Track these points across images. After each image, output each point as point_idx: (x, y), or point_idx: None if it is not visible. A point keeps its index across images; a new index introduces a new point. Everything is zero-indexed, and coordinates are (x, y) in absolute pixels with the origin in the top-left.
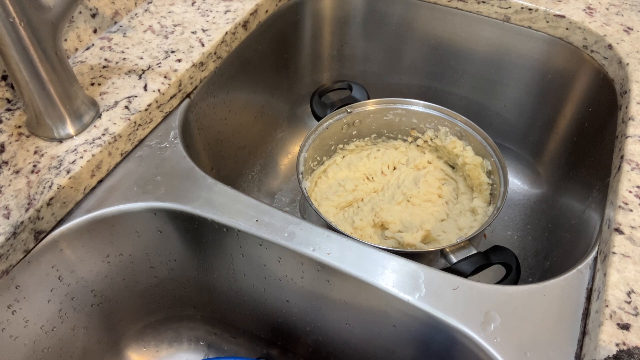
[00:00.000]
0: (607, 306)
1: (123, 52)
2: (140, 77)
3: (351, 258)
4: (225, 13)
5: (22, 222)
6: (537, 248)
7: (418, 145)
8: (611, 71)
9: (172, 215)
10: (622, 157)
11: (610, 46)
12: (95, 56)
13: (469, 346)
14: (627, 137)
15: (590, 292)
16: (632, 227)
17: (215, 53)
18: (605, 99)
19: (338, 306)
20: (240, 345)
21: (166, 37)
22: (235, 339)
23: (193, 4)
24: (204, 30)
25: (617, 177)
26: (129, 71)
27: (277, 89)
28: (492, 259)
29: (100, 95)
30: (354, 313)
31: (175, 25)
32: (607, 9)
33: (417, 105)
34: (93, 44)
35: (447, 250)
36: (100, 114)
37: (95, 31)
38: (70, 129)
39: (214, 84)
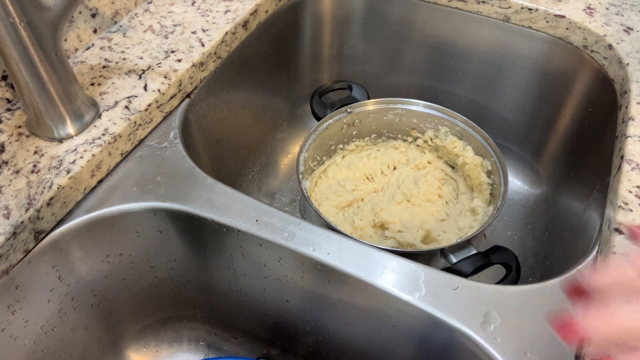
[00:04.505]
0: None
1: (123, 52)
2: (140, 77)
3: (351, 258)
4: (225, 13)
5: (22, 222)
6: (537, 248)
7: (418, 145)
8: (611, 71)
9: (172, 215)
10: (622, 157)
11: (610, 46)
12: (95, 56)
13: (469, 346)
14: (627, 137)
15: None
16: None
17: (215, 53)
18: (605, 99)
19: (338, 306)
20: (240, 345)
21: (166, 37)
22: (235, 339)
23: (193, 4)
24: (204, 30)
25: (617, 177)
26: (129, 71)
27: (277, 89)
28: (492, 259)
29: (100, 95)
30: (354, 313)
31: (175, 25)
32: (607, 9)
33: (417, 105)
34: (93, 44)
35: (447, 250)
36: (100, 114)
37: (95, 31)
38: (70, 129)
39: (214, 84)
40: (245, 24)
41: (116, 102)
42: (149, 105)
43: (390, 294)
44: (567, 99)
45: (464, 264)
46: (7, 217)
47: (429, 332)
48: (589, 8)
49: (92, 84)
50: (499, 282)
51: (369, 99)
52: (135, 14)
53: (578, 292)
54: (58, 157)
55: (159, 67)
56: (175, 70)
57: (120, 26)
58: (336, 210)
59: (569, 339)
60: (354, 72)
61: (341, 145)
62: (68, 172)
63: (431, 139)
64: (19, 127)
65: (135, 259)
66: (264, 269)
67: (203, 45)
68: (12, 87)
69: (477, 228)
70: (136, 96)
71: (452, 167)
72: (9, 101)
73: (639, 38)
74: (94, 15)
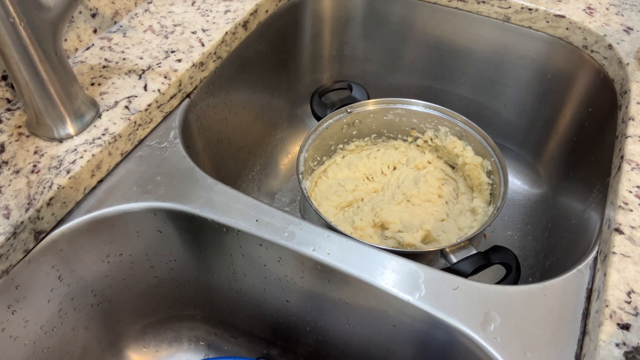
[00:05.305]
0: (607, 306)
1: (123, 52)
2: (140, 77)
3: (351, 258)
4: (225, 13)
5: (22, 222)
6: (537, 248)
7: (418, 145)
8: (611, 71)
9: (172, 215)
10: (622, 157)
11: (610, 46)
12: (95, 56)
13: (469, 346)
14: (627, 137)
15: (590, 292)
16: (632, 227)
17: (215, 53)
18: (605, 99)
19: (338, 306)
20: (240, 345)
21: (166, 37)
22: (235, 339)
23: (193, 4)
24: (204, 30)
25: (617, 177)
26: (129, 71)
27: (277, 89)
28: (492, 259)
29: (100, 95)
30: (354, 313)
31: (175, 25)
32: (607, 9)
33: (417, 105)
34: (93, 44)
35: (447, 250)
36: (100, 114)
37: (95, 31)
38: (70, 129)
39: (214, 84)
40: (245, 24)
41: (116, 102)
42: (149, 105)
43: (390, 294)
44: (567, 99)
45: (464, 264)
46: (7, 217)
47: (428, 332)
48: (589, 8)
49: (92, 84)
50: (499, 282)
51: (369, 99)
52: (135, 14)
53: None
54: (58, 157)
55: (159, 67)
56: (175, 70)
57: (120, 26)
58: (336, 210)
59: None
60: (354, 72)
61: (341, 145)
62: (68, 172)
63: (431, 139)
64: (19, 127)
65: (135, 259)
66: (264, 269)
67: (203, 45)
68: (12, 87)
69: (477, 228)
70: (136, 96)
71: (452, 167)
72: (9, 101)
73: (639, 38)
74: (94, 15)
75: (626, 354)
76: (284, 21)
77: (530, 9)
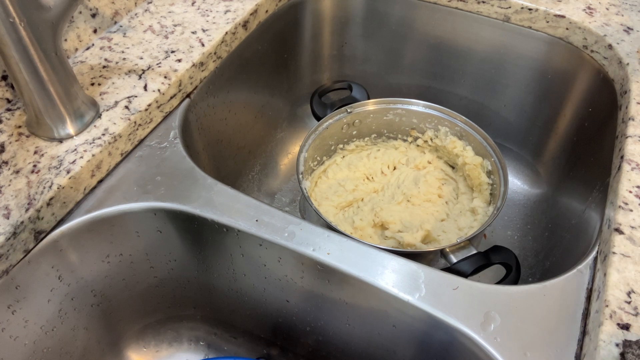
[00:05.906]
0: (607, 306)
1: (123, 52)
2: (140, 77)
3: (351, 258)
4: (225, 13)
5: (22, 222)
6: (537, 248)
7: (418, 145)
8: (611, 71)
9: (172, 215)
10: (622, 157)
11: (610, 46)
12: (95, 56)
13: (469, 346)
14: (627, 137)
15: (590, 292)
16: (632, 227)
17: (215, 53)
18: (605, 99)
19: (338, 306)
20: (240, 345)
21: (166, 37)
22: (235, 339)
23: (193, 4)
24: (204, 30)
25: (617, 177)
26: (129, 71)
27: (277, 89)
28: (492, 259)
29: (100, 95)
30: (354, 313)
31: (175, 25)
32: (607, 9)
33: (417, 105)
34: (93, 44)
35: (447, 250)
36: (100, 114)
37: (95, 31)
38: (70, 129)
39: (214, 84)
40: (245, 24)
41: (116, 102)
42: (149, 105)
43: (390, 294)
44: (567, 99)
45: (464, 264)
46: (7, 217)
47: (429, 332)
48: (589, 8)
49: (92, 84)
50: (499, 282)
51: (369, 99)
52: (135, 14)
53: None
54: (58, 157)
55: (159, 67)
56: (175, 70)
57: (120, 26)
58: (336, 210)
59: None
60: (354, 72)
61: (341, 145)
62: (68, 172)
63: (431, 139)
64: (19, 127)
65: (135, 259)
66: (264, 269)
67: (203, 45)
68: (12, 87)
69: (477, 228)
70: (136, 96)
71: (452, 167)
72: (9, 101)
73: (639, 38)
74: (94, 15)
75: (624, 342)
76: (284, 21)
77: (530, 9)
